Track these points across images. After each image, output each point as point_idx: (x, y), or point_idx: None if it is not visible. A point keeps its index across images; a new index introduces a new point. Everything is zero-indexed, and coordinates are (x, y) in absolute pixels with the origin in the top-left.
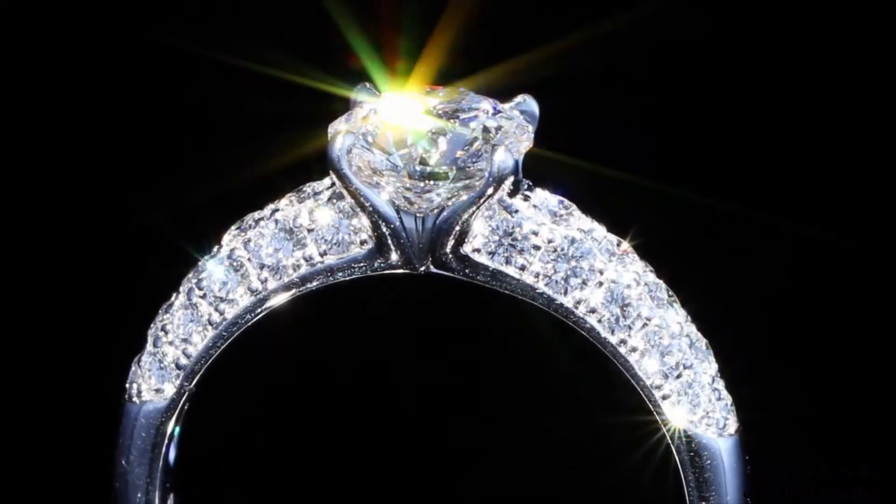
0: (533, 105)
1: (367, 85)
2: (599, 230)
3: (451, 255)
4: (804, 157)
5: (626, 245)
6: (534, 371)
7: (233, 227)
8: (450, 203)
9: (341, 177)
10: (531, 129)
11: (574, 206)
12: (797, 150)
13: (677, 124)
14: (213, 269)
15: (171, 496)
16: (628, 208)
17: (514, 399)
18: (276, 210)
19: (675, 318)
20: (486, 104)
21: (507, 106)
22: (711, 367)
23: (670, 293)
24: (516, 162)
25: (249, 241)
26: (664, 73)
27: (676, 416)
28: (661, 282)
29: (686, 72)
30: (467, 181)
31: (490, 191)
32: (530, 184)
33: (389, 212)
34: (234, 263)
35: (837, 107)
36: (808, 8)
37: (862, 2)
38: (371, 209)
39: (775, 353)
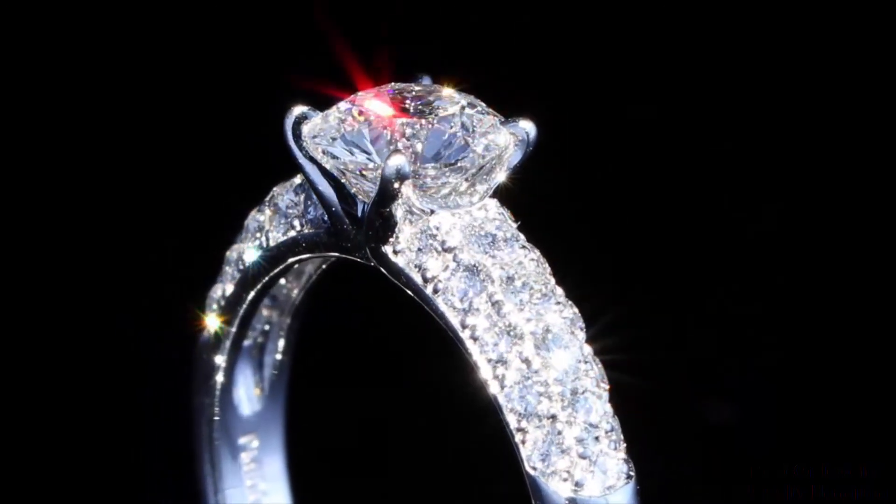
0: (531, 131)
1: (423, 76)
2: (528, 265)
3: (376, 251)
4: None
5: (551, 282)
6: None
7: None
8: None
9: (288, 150)
10: (513, 148)
11: (512, 232)
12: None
13: None
14: (252, 217)
15: (253, 437)
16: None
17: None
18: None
19: (562, 367)
20: (456, 103)
21: (505, 126)
22: (588, 424)
23: (579, 343)
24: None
25: (273, 196)
26: None
27: (529, 461)
28: (570, 328)
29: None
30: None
31: (388, 191)
32: (501, 208)
33: (331, 195)
34: (259, 216)
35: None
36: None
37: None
38: (315, 189)
39: (774, 353)
